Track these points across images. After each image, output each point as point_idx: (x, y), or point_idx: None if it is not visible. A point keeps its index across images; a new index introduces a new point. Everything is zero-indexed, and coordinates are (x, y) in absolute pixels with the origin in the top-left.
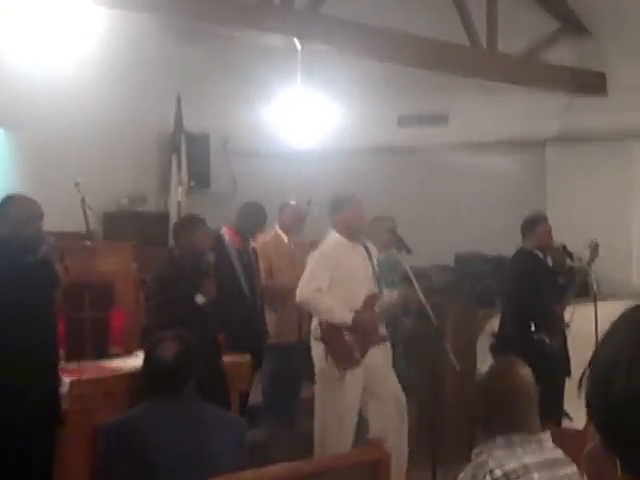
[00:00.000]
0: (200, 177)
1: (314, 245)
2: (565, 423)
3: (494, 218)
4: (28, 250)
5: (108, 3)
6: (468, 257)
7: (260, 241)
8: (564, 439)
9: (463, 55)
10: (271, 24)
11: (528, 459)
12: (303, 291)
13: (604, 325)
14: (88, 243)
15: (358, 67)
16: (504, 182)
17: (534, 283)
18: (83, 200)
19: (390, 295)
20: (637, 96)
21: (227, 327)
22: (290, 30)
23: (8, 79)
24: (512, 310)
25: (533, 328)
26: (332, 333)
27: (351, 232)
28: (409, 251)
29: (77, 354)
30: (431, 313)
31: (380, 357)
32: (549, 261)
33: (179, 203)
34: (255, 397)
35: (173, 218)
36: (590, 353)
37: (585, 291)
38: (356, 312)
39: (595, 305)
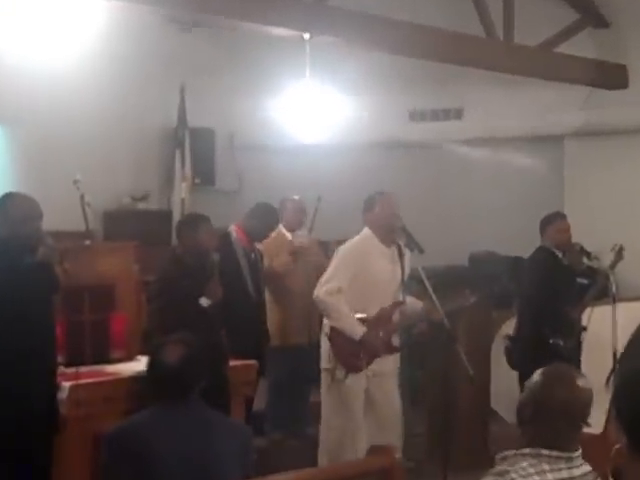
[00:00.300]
0: (205, 174)
1: (323, 245)
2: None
3: (510, 216)
4: (27, 251)
5: None
6: (483, 257)
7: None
8: (583, 445)
9: (478, 47)
10: (277, 16)
11: (552, 475)
12: (322, 289)
13: (624, 327)
14: (88, 243)
15: (368, 59)
16: (521, 179)
17: (551, 284)
18: (82, 198)
19: (414, 304)
20: None
21: (230, 328)
22: (296, 22)
23: (5, 73)
24: (528, 312)
25: (549, 331)
26: (340, 333)
27: (384, 233)
28: (421, 250)
29: (76, 358)
30: (444, 316)
31: (388, 365)
32: (566, 261)
33: (183, 201)
34: (260, 403)
35: (176, 217)
36: (607, 356)
37: (603, 293)
38: (366, 332)
39: (614, 308)
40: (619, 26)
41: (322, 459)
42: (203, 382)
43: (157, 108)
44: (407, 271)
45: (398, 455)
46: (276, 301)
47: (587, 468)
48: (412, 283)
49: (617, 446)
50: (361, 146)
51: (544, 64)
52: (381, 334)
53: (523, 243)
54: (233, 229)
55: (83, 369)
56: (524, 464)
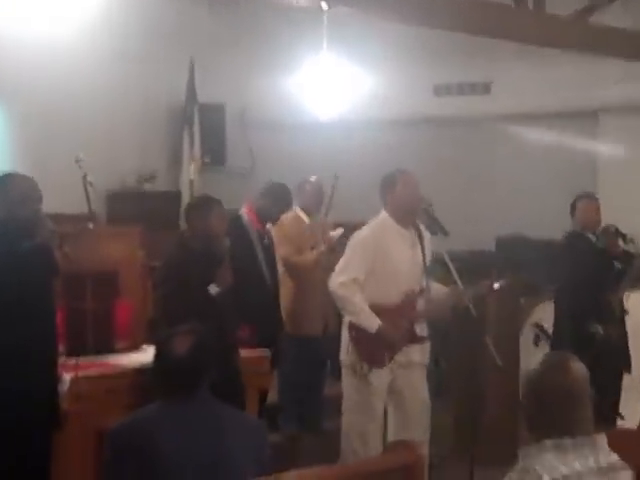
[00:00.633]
0: (215, 152)
1: (338, 228)
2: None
3: (540, 197)
4: (25, 234)
5: None
6: (511, 241)
7: (277, 224)
8: (618, 440)
9: (506, 17)
10: None
11: (580, 465)
12: (337, 280)
13: None
14: (90, 226)
15: (390, 31)
16: (552, 157)
17: (585, 269)
18: (85, 178)
19: (439, 291)
20: None
21: (245, 317)
22: None
23: (2, 46)
24: (564, 301)
25: (587, 319)
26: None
27: (403, 215)
28: (446, 234)
29: (78, 349)
30: (470, 304)
31: (416, 355)
32: (600, 244)
33: (191, 181)
34: (274, 396)
35: (185, 198)
36: None
37: None
38: (382, 325)
39: None
40: None
41: (345, 456)
42: (213, 374)
43: (164, 82)
44: (428, 255)
45: (421, 451)
46: (289, 288)
47: (614, 457)
48: (436, 267)
49: None
50: (382, 123)
51: (577, 35)
52: (404, 323)
53: (554, 225)
54: (244, 210)
55: (85, 360)
56: (549, 457)
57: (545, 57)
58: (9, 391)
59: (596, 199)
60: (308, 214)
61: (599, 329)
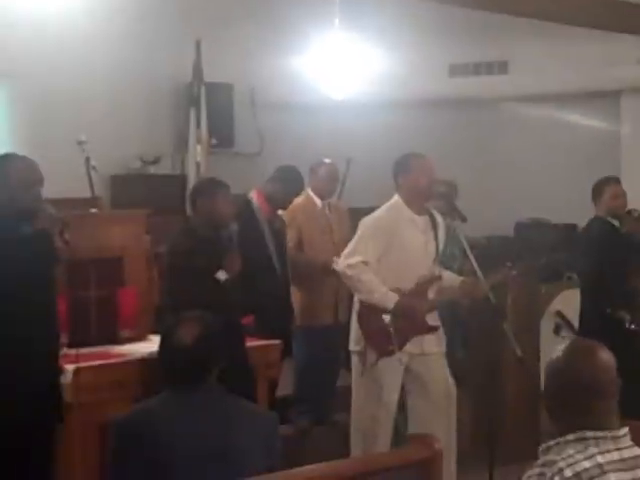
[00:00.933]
0: (222, 134)
1: (354, 213)
2: None
3: (560, 180)
4: (25, 219)
5: None
6: (530, 226)
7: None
8: None
9: None
10: None
11: (603, 458)
12: (344, 262)
13: None
14: (94, 211)
15: (404, 8)
16: (572, 139)
17: (609, 256)
18: (87, 161)
19: (451, 279)
20: None
21: (254, 307)
22: None
23: (2, 25)
24: (588, 289)
25: (612, 306)
26: (369, 313)
27: (416, 200)
28: (463, 219)
29: (81, 338)
30: (489, 291)
31: (432, 345)
32: (624, 229)
33: (198, 164)
34: (284, 388)
35: (191, 182)
36: None
37: None
38: (400, 298)
39: None
40: None
41: (355, 449)
42: (221, 365)
43: (170, 61)
44: (442, 243)
45: (439, 445)
46: (298, 278)
47: (638, 451)
48: (455, 252)
49: None
50: (395, 103)
51: (598, 11)
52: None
53: (575, 210)
54: (253, 195)
55: (88, 350)
56: (570, 451)
57: (565, 35)
58: (9, 383)
59: (621, 183)
60: (321, 198)
61: (626, 316)
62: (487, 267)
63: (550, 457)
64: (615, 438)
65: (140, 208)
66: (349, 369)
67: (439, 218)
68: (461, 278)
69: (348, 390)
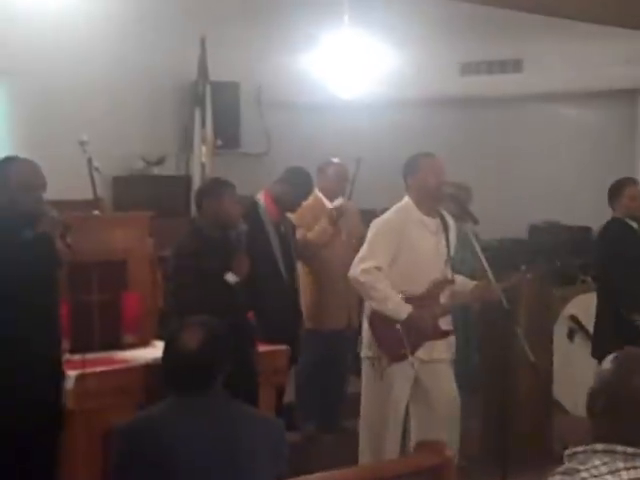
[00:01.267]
0: (228, 134)
1: (364, 215)
2: None
3: (575, 182)
4: (27, 223)
5: None
6: (544, 228)
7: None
8: None
9: None
10: None
11: (628, 475)
12: (358, 268)
13: None
14: (96, 213)
15: (414, 5)
16: (588, 139)
17: (627, 259)
18: (90, 162)
19: (464, 283)
20: None
21: (259, 312)
22: None
23: (1, 19)
24: (605, 293)
25: (630, 310)
26: (381, 317)
27: (426, 201)
28: (475, 221)
29: (83, 344)
30: (502, 295)
31: (441, 351)
32: None
33: (203, 165)
34: (292, 393)
35: (196, 183)
36: None
37: None
38: (413, 310)
39: None
40: None
41: (363, 456)
42: (227, 370)
43: (174, 60)
44: (453, 244)
45: (449, 452)
46: (310, 279)
47: None
48: (466, 256)
49: None
50: (406, 103)
51: (614, 8)
52: (430, 315)
53: (590, 212)
54: (261, 197)
55: (91, 356)
56: (597, 462)
57: (580, 32)
58: (11, 389)
59: (638, 184)
60: (330, 198)
61: None
62: (500, 270)
63: (573, 465)
64: None
65: (143, 210)
66: (357, 375)
67: (450, 220)
68: (474, 282)
69: (357, 396)
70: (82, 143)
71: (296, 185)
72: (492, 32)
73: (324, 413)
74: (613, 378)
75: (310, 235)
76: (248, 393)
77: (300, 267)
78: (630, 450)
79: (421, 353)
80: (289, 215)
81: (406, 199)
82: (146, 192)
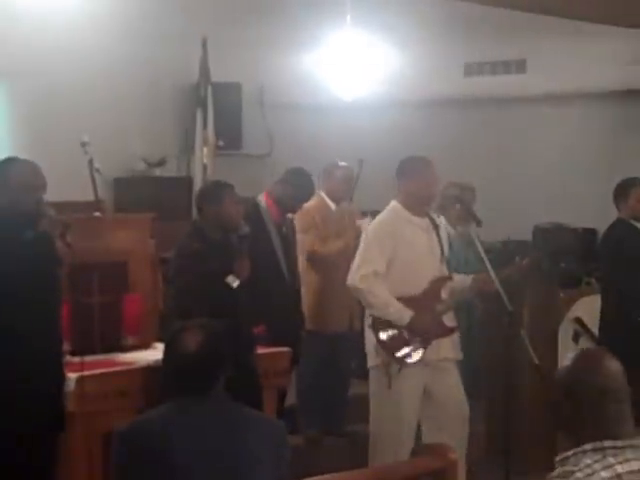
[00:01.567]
0: (230, 135)
1: (365, 217)
2: None
3: (580, 183)
4: (28, 224)
5: None
6: (549, 230)
7: (301, 210)
8: None
9: None
10: None
11: (622, 468)
12: (356, 275)
13: None
14: (97, 214)
15: (417, 5)
16: (594, 140)
17: (632, 259)
18: (91, 163)
19: (463, 280)
20: None
21: (262, 313)
22: None
23: (1, 19)
24: (611, 295)
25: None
26: (385, 322)
27: (416, 203)
28: (479, 222)
29: (84, 346)
30: (505, 296)
31: (448, 350)
32: None
33: (204, 167)
34: (292, 397)
35: (197, 184)
36: None
37: None
38: (415, 315)
39: None
40: None
41: (373, 463)
42: (227, 373)
43: (175, 60)
44: (446, 244)
45: (453, 455)
46: (312, 281)
47: None
48: (469, 258)
49: None
50: (409, 104)
51: (621, 8)
52: (430, 315)
53: (595, 213)
54: (262, 198)
55: (91, 358)
56: (588, 461)
57: (586, 32)
58: (11, 391)
59: None
60: (335, 201)
61: None
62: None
63: (567, 468)
64: (634, 447)
65: (145, 211)
66: (359, 377)
67: (438, 220)
68: (471, 277)
69: (360, 400)
70: (83, 144)
71: (297, 186)
72: (496, 32)
73: (326, 416)
74: (572, 378)
75: (324, 249)
76: (250, 396)
77: (302, 269)
78: (619, 443)
79: (429, 353)
80: (291, 216)
81: (393, 203)
82: (147, 193)
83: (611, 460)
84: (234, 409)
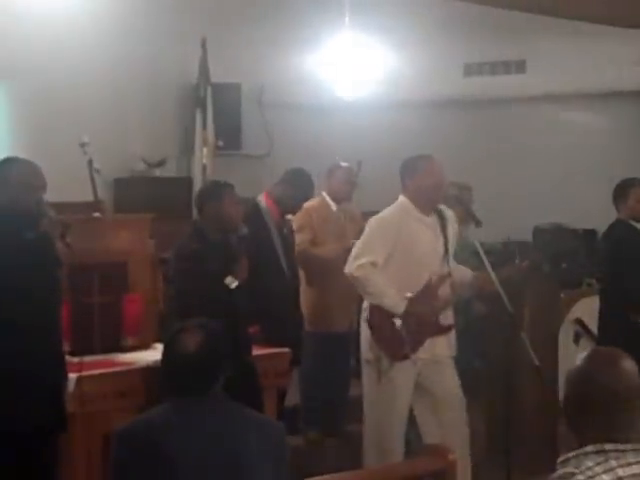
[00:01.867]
0: (229, 135)
1: (366, 217)
2: None
3: (580, 184)
4: (28, 224)
5: None
6: (549, 230)
7: (301, 210)
8: None
9: None
10: None
11: (623, 472)
12: (352, 263)
13: None
14: (97, 215)
15: (417, 6)
16: (594, 141)
17: (632, 261)
18: (90, 163)
19: (463, 273)
20: None
21: (262, 313)
22: None
23: (1, 19)
24: (610, 296)
25: (636, 313)
26: (380, 317)
27: (423, 202)
28: (478, 223)
29: (84, 346)
30: (505, 297)
31: (443, 347)
32: None
33: (204, 167)
34: (293, 397)
35: (197, 184)
36: None
37: None
38: (411, 300)
39: None
40: None
41: (368, 460)
42: (226, 373)
43: (175, 60)
44: (453, 242)
45: (452, 455)
46: (313, 281)
47: None
48: (467, 256)
49: None
50: (408, 104)
51: (620, 8)
52: (426, 308)
53: (595, 214)
54: (262, 199)
55: (91, 358)
56: (589, 463)
57: (586, 32)
58: (12, 391)
59: None
60: (337, 201)
61: None
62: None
63: (569, 469)
64: (636, 451)
65: (144, 212)
66: (360, 378)
67: (448, 214)
68: (471, 272)
69: (360, 399)
70: (83, 145)
71: (297, 186)
72: (495, 32)
73: (327, 417)
74: (585, 377)
75: (318, 251)
76: (250, 396)
77: (302, 269)
78: (621, 447)
79: (422, 352)
80: (290, 217)
81: (402, 198)
82: (147, 194)
83: (613, 463)
84: (234, 409)
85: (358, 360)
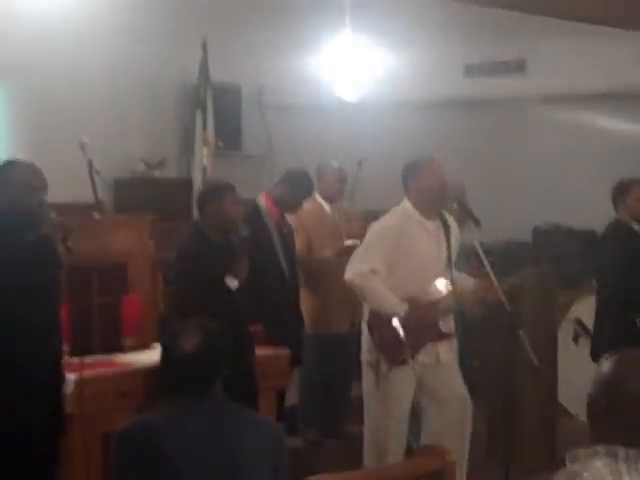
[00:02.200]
0: (229, 136)
1: (368, 218)
2: None
3: (580, 185)
4: (29, 226)
5: None
6: (549, 231)
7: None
8: None
9: None
10: None
11: (630, 477)
12: (352, 270)
13: None
14: (97, 216)
15: (417, 7)
16: (594, 141)
17: (632, 260)
18: (90, 164)
19: (464, 281)
20: None
21: (262, 316)
22: None
23: (1, 18)
24: (608, 296)
25: (634, 313)
26: (380, 321)
27: (427, 205)
28: (478, 223)
29: (83, 347)
30: (504, 297)
31: (444, 352)
32: None
33: (204, 168)
34: (293, 398)
35: (197, 185)
36: None
37: None
38: (411, 305)
39: None
40: None
41: (367, 461)
42: (226, 373)
43: (175, 62)
44: (455, 248)
45: (451, 456)
46: (313, 283)
47: None
48: (468, 260)
49: None
50: (408, 105)
51: (623, 8)
52: (427, 312)
53: (595, 214)
54: (261, 199)
55: (91, 359)
56: (598, 464)
57: (587, 32)
58: (11, 392)
59: None
60: (329, 202)
61: None
62: (503, 273)
63: (575, 468)
64: None
65: (144, 213)
66: (361, 379)
67: (452, 222)
68: (473, 279)
69: (360, 401)
70: (83, 145)
71: (296, 184)
72: (495, 33)
73: (327, 418)
74: (611, 379)
75: (319, 256)
76: (248, 398)
77: (300, 271)
78: (632, 452)
79: (424, 357)
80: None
81: (405, 202)
82: (147, 195)
83: (621, 467)
84: (233, 410)
85: (359, 361)
